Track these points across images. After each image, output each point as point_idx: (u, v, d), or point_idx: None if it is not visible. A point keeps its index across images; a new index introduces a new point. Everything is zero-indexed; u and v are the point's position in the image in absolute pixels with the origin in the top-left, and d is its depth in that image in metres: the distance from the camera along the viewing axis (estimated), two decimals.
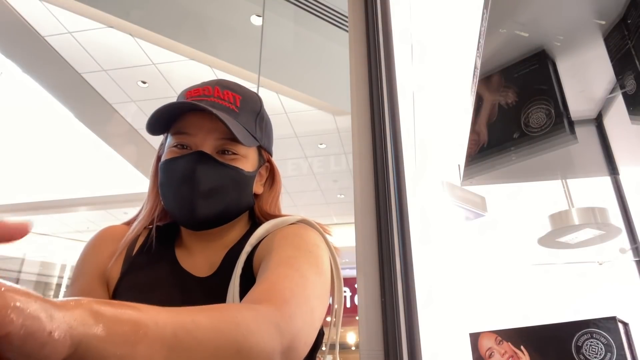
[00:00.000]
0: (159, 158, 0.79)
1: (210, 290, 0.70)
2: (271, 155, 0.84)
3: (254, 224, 0.80)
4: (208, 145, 0.72)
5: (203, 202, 0.70)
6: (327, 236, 0.76)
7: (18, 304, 0.28)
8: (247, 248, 0.71)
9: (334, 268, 0.76)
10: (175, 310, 0.41)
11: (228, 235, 0.77)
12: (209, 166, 0.71)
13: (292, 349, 0.51)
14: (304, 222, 0.77)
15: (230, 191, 0.73)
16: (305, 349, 0.55)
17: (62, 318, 0.31)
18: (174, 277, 0.73)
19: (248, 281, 0.67)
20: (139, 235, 0.80)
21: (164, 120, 0.73)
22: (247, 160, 0.76)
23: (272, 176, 0.84)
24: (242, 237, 0.78)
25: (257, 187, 0.81)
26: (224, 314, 0.46)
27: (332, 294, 0.77)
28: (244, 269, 0.69)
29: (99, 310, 0.34)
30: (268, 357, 0.47)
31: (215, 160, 0.72)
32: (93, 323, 0.33)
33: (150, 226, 0.79)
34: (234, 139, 0.72)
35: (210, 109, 0.69)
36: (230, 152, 0.73)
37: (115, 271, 0.75)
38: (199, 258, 0.76)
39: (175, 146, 0.73)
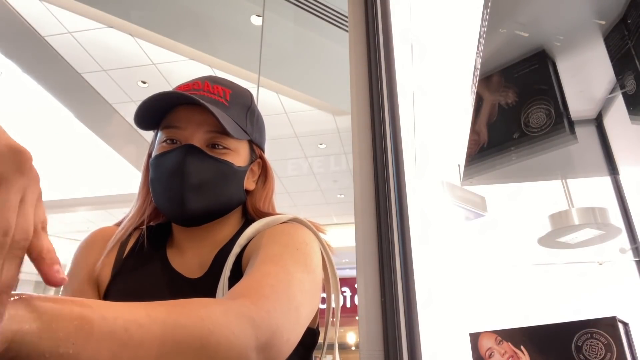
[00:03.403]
0: (149, 156, 0.79)
1: (200, 292, 0.69)
2: (263, 152, 0.83)
3: (247, 221, 0.79)
4: (197, 138, 0.71)
5: (193, 195, 0.69)
6: (322, 235, 0.75)
7: None
8: (236, 249, 0.69)
9: (329, 267, 0.75)
10: (130, 304, 0.39)
11: (219, 233, 0.76)
12: (198, 159, 0.70)
13: (271, 346, 0.49)
14: (295, 220, 0.75)
15: (221, 185, 0.72)
16: (288, 347, 0.53)
17: None
18: (164, 278, 0.72)
19: (237, 282, 0.67)
20: (130, 237, 0.79)
21: (153, 112, 0.73)
22: (238, 155, 0.75)
23: (264, 173, 0.83)
24: (233, 235, 0.77)
25: (249, 184, 0.80)
26: (186, 308, 0.43)
27: (327, 293, 0.76)
28: (233, 269, 0.68)
29: (38, 306, 0.32)
30: (240, 352, 0.44)
31: (204, 153, 0.71)
32: (30, 319, 0.31)
33: (142, 226, 0.79)
34: (224, 132, 0.71)
35: (198, 99, 0.68)
36: (220, 146, 0.73)
37: (105, 273, 0.75)
38: (189, 257, 0.75)
39: (165, 141, 0.73)
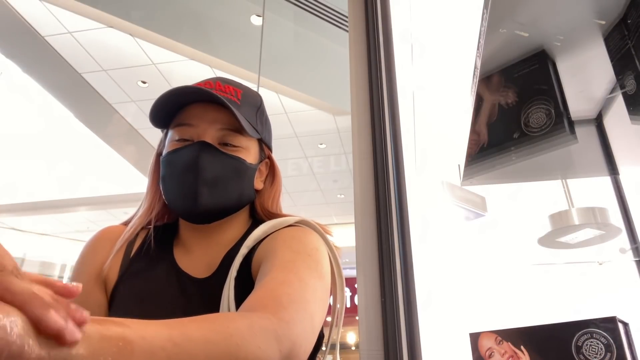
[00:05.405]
0: (158, 155, 0.79)
1: (208, 292, 0.69)
2: (271, 152, 0.84)
3: (255, 222, 0.80)
4: (210, 135, 0.72)
5: (206, 191, 0.70)
6: (328, 236, 0.76)
7: (3, 322, 0.27)
8: (243, 250, 0.70)
9: (335, 268, 0.75)
10: (163, 323, 0.41)
11: (227, 233, 0.77)
12: (211, 155, 0.71)
13: (292, 357, 0.50)
14: (303, 223, 0.76)
15: (233, 181, 0.73)
16: (305, 356, 0.54)
17: (44, 338, 0.30)
18: (172, 279, 0.73)
19: (244, 284, 0.66)
20: (137, 236, 0.79)
21: (170, 107, 0.73)
22: (248, 153, 0.76)
23: (272, 173, 0.84)
24: (242, 236, 0.77)
25: (258, 183, 0.80)
26: (215, 325, 0.45)
27: (333, 294, 0.77)
28: (240, 270, 0.68)
29: (84, 329, 0.33)
30: None
31: (217, 150, 0.72)
32: (78, 343, 0.32)
33: (149, 226, 0.79)
34: (236, 130, 0.73)
35: (217, 95, 0.69)
36: (231, 145, 0.74)
37: (113, 273, 0.75)
38: (197, 257, 0.75)
39: (177, 140, 0.73)
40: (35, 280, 0.32)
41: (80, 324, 0.31)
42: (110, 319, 0.37)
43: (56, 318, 0.29)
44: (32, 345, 0.28)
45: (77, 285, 0.34)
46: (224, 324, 0.45)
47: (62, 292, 0.33)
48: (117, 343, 0.34)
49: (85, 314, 0.32)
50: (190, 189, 0.70)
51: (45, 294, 0.30)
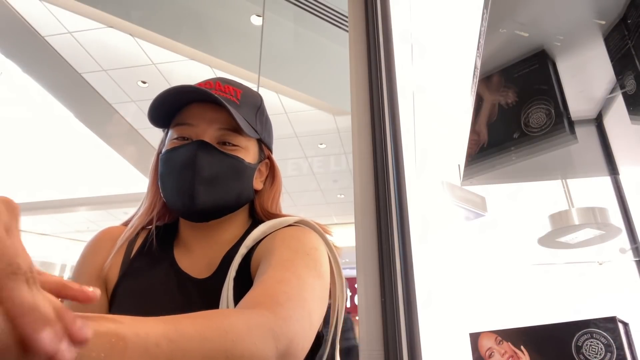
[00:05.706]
0: (159, 154, 0.79)
1: (208, 293, 0.70)
2: (271, 152, 0.84)
3: (254, 222, 0.80)
4: (209, 135, 0.72)
5: (203, 189, 0.70)
6: (328, 236, 0.76)
7: None
8: (242, 250, 0.70)
9: (335, 268, 0.75)
10: (158, 319, 0.40)
11: (227, 233, 0.77)
12: (209, 154, 0.71)
13: (289, 354, 0.50)
14: (302, 222, 0.76)
15: (231, 180, 0.73)
16: (302, 354, 0.54)
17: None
18: (172, 279, 0.73)
19: (244, 284, 0.66)
20: (137, 236, 0.79)
21: (168, 106, 0.73)
22: (247, 153, 0.76)
23: (272, 173, 0.84)
24: (241, 236, 0.77)
25: (257, 184, 0.80)
26: (211, 321, 0.44)
27: (333, 294, 0.77)
28: (240, 271, 0.68)
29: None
30: None
31: (215, 149, 0.72)
32: None
33: (149, 226, 0.79)
34: (235, 129, 0.73)
35: (213, 95, 0.70)
36: (230, 144, 0.74)
37: (113, 272, 0.75)
38: (197, 258, 0.75)
39: (176, 138, 0.74)
40: (51, 283, 0.31)
41: (79, 342, 0.29)
42: (104, 316, 0.36)
43: (48, 340, 0.27)
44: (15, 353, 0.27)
45: (95, 290, 0.32)
46: (220, 320, 0.45)
47: (78, 297, 0.32)
48: (109, 339, 0.34)
49: (87, 331, 0.30)
50: (187, 186, 0.70)
51: (47, 306, 0.28)
